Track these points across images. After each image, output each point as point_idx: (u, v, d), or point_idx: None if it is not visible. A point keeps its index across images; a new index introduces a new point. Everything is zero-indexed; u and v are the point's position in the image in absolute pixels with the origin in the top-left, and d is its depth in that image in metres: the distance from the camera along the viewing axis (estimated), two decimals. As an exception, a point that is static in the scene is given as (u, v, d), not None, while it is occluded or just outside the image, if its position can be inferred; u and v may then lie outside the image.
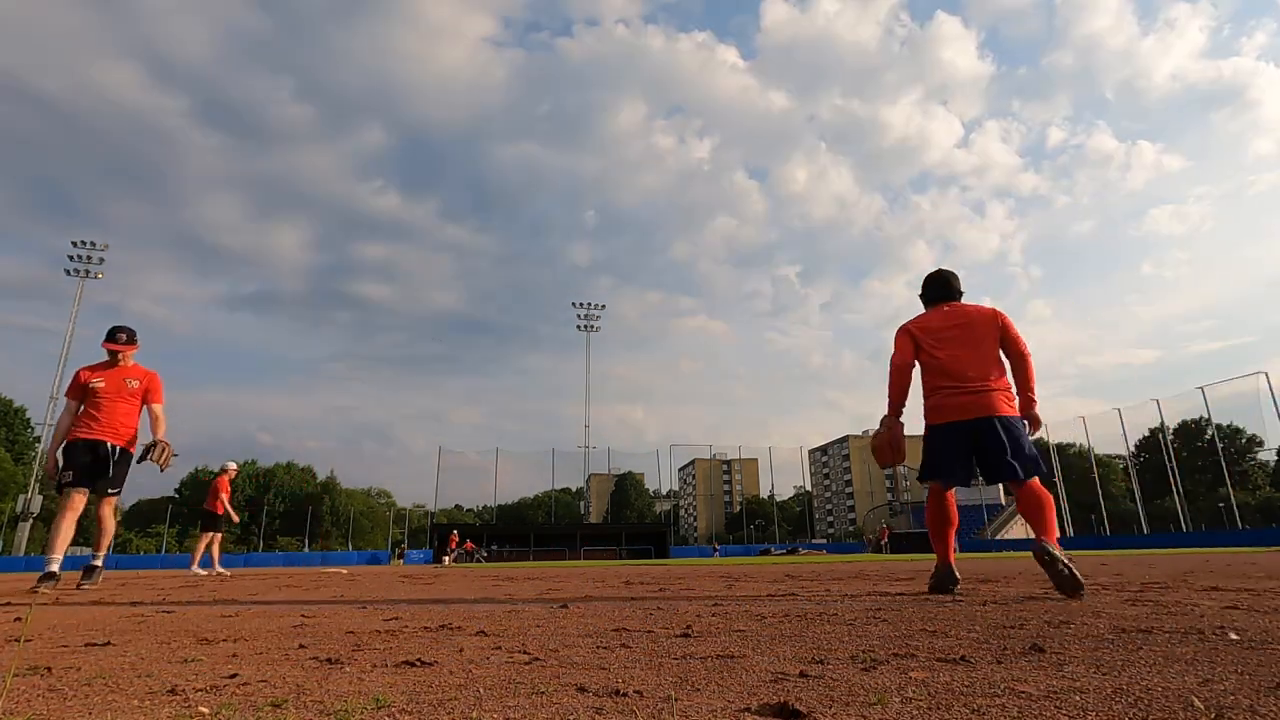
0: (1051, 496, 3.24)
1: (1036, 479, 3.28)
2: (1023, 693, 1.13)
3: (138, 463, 5.41)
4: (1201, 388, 37.61)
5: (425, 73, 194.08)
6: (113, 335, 5.42)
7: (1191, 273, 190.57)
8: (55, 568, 4.99)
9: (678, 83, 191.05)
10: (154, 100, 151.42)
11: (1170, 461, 41.74)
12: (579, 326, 52.49)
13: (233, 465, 11.54)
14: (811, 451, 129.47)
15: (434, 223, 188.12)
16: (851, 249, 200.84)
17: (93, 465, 5.16)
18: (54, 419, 40.67)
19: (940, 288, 3.76)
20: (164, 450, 5.32)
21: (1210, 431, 62.39)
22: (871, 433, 3.95)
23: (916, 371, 3.70)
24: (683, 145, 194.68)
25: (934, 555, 3.60)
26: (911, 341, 3.65)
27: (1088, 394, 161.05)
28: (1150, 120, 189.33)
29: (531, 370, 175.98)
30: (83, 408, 5.26)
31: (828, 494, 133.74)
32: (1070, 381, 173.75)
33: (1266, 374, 32.84)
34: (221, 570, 10.27)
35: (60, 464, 5.11)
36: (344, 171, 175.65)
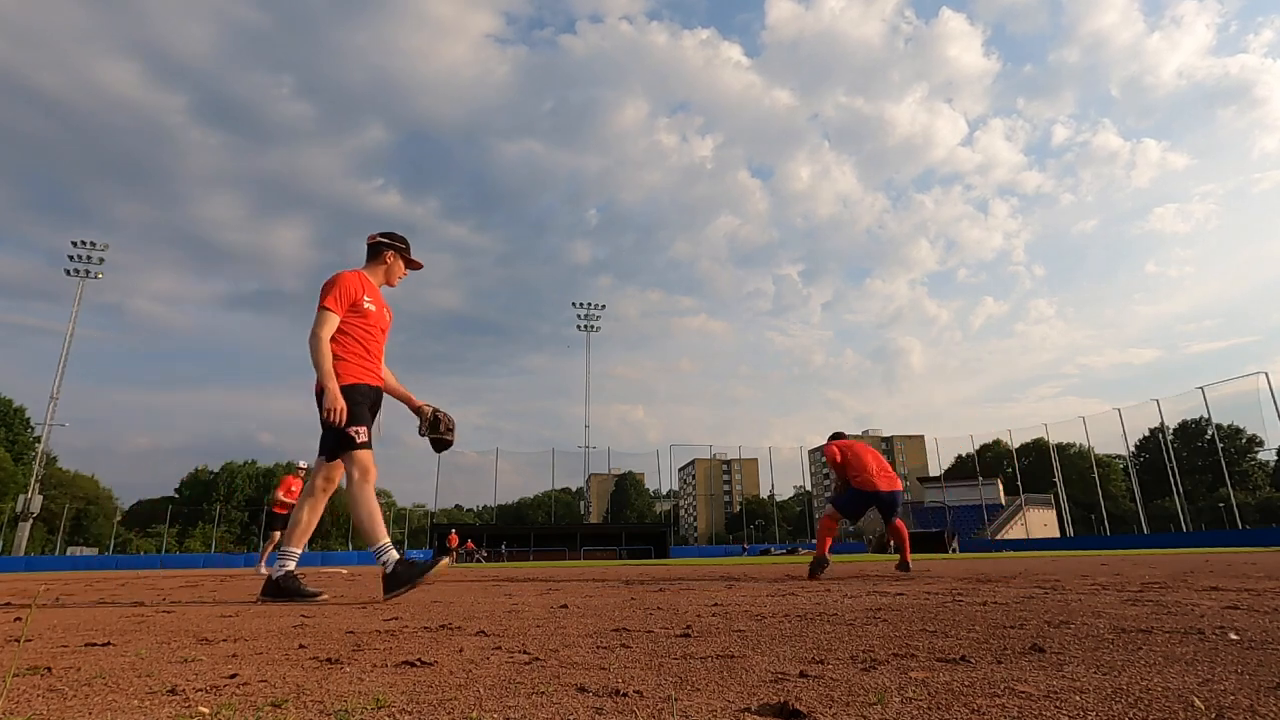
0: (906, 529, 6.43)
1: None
2: (1023, 693, 1.13)
3: (430, 435, 3.95)
4: (1201, 388, 37.70)
5: (427, 70, 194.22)
6: (409, 245, 4.01)
7: (1195, 271, 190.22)
8: (294, 564, 3.63)
9: (681, 80, 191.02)
10: (154, 98, 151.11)
11: (1170, 461, 41.81)
12: (579, 326, 52.61)
13: (302, 464, 11.72)
14: (812, 451, 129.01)
15: (435, 221, 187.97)
16: (854, 248, 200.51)
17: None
18: (54, 418, 40.39)
19: (840, 433, 6.65)
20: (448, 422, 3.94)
21: (1210, 431, 62.48)
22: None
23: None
24: (685, 143, 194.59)
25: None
26: (840, 453, 6.28)
27: (1088, 394, 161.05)
28: (1156, 117, 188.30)
29: (532, 370, 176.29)
30: (335, 335, 3.61)
31: (828, 494, 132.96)
32: (1070, 381, 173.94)
33: (1266, 374, 32.96)
34: (265, 569, 10.31)
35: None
36: (345, 169, 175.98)
